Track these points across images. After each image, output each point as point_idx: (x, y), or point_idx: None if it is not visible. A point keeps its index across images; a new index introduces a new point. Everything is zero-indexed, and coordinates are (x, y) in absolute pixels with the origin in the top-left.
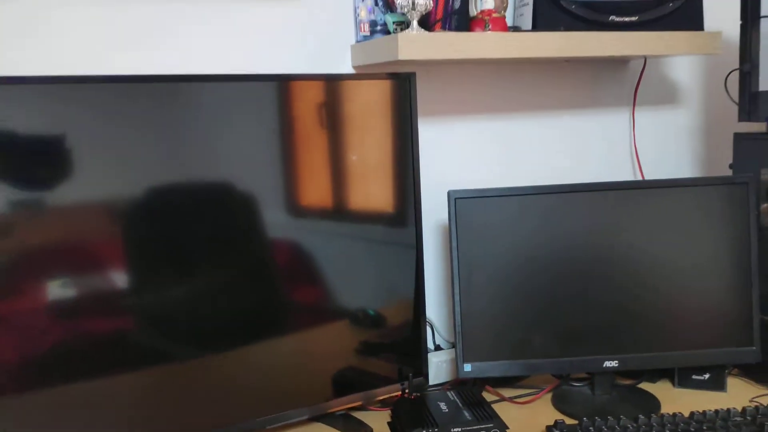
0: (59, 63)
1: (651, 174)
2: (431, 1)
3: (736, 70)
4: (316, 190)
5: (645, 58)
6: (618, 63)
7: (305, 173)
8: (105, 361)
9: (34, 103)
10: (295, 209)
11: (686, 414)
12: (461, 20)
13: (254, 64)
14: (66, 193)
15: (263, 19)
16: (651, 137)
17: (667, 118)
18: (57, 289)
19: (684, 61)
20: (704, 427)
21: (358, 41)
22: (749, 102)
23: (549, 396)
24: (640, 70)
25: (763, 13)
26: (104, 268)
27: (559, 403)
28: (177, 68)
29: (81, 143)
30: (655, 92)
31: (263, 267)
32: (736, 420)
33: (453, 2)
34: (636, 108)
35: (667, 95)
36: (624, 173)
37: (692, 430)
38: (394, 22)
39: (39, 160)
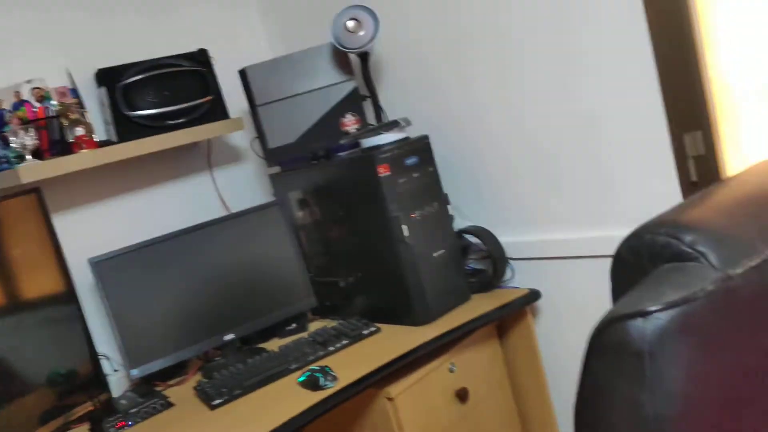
0: None
1: (236, 207)
2: (36, 140)
3: (256, 137)
4: None
5: (207, 139)
6: (190, 146)
7: None
8: None
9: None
10: None
11: (277, 350)
12: (64, 146)
13: None
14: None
15: None
16: (230, 185)
17: (236, 170)
18: None
19: (234, 134)
20: (286, 351)
21: None
22: (268, 155)
23: (200, 374)
24: (207, 147)
25: (257, 102)
26: None
27: (205, 375)
28: None
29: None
30: (224, 157)
31: None
32: (303, 341)
33: (53, 136)
34: (214, 169)
35: (233, 157)
36: (217, 212)
37: (279, 353)
38: (13, 156)
39: None
